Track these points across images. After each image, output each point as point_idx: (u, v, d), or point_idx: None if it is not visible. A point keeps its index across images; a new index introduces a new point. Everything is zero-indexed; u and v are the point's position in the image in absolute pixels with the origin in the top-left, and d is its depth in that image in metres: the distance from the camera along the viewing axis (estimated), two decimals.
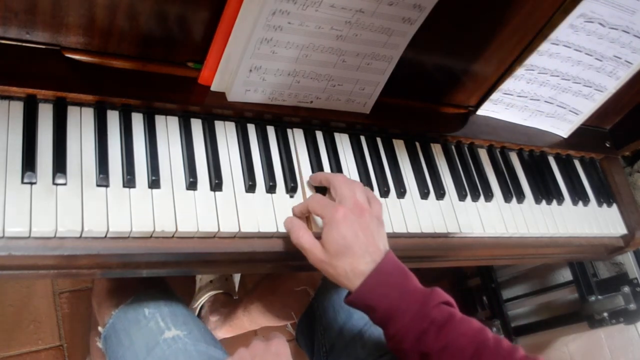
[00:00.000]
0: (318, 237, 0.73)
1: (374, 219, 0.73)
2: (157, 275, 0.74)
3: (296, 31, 0.73)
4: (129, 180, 0.69)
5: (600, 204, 1.11)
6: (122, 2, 0.68)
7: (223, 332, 1.32)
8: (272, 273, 1.15)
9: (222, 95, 0.80)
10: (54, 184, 0.65)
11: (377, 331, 0.91)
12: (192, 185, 0.73)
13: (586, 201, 1.08)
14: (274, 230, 0.76)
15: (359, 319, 0.94)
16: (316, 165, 0.84)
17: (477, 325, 0.69)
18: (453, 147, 0.99)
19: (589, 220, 1.07)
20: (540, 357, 0.66)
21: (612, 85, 1.03)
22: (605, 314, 1.35)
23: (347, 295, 0.72)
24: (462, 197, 0.94)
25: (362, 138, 0.91)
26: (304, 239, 0.73)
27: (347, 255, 0.70)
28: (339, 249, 0.70)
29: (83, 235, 0.65)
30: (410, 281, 0.71)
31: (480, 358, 0.66)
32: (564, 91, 1.03)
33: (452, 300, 0.71)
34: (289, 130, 0.85)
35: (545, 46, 0.92)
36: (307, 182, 0.82)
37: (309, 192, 0.81)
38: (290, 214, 0.78)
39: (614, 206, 1.12)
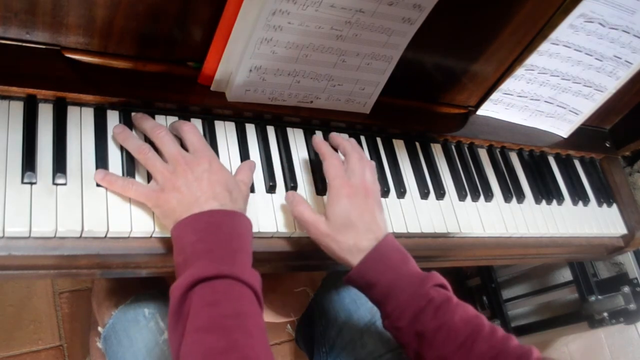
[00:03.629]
0: None
1: (377, 202, 0.75)
2: (157, 275, 0.73)
3: (296, 31, 0.73)
4: None
5: (600, 204, 1.11)
6: (122, 2, 0.68)
7: None
8: (272, 273, 1.15)
9: (222, 95, 0.80)
10: (54, 183, 0.65)
11: (377, 331, 0.91)
12: None
13: (586, 201, 1.08)
14: (274, 230, 0.76)
15: (359, 319, 0.94)
16: (316, 165, 0.84)
17: (473, 311, 0.70)
18: (453, 147, 0.99)
19: (589, 220, 1.07)
20: (533, 347, 0.66)
21: (612, 85, 1.03)
22: (605, 314, 1.35)
23: (348, 273, 0.73)
24: (462, 197, 0.94)
25: (362, 138, 0.91)
26: (307, 213, 0.74)
27: (350, 229, 0.71)
28: (344, 222, 0.71)
29: (83, 235, 0.65)
30: (410, 262, 0.72)
31: (474, 342, 0.65)
32: (564, 91, 1.03)
33: (448, 285, 0.72)
34: (289, 130, 0.85)
35: (545, 46, 0.92)
36: (313, 143, 0.80)
37: (309, 192, 0.81)
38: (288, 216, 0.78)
39: (614, 206, 1.12)
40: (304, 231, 0.76)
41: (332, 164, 0.76)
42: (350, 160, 0.77)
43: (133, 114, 0.73)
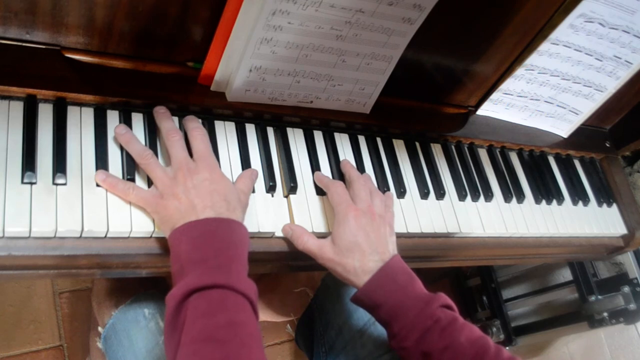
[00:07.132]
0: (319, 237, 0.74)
1: (385, 224, 0.76)
2: (157, 275, 0.73)
3: (296, 31, 0.73)
4: (129, 181, 0.69)
5: (600, 204, 1.11)
6: (122, 2, 0.68)
7: None
8: (272, 273, 1.15)
9: (222, 95, 0.80)
10: (54, 183, 0.65)
11: (376, 330, 0.91)
12: None
13: (586, 201, 1.08)
14: (274, 230, 0.76)
15: (359, 319, 0.94)
16: (316, 166, 0.84)
17: (479, 332, 0.70)
18: (453, 147, 0.99)
19: (589, 220, 1.07)
20: None
21: (612, 85, 1.03)
22: (605, 314, 1.35)
23: (354, 293, 0.73)
24: (462, 197, 0.94)
25: (362, 138, 0.91)
26: (310, 243, 0.74)
27: (356, 251, 0.72)
28: (349, 245, 0.72)
29: (83, 235, 0.65)
30: (416, 283, 0.73)
31: None
32: (564, 91, 1.03)
33: (454, 306, 0.72)
34: (288, 130, 0.85)
35: (545, 46, 0.92)
36: (314, 179, 0.82)
37: (309, 192, 0.81)
38: (287, 216, 0.78)
39: (614, 206, 1.12)
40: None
41: (335, 192, 0.77)
42: (354, 186, 0.78)
43: (155, 107, 0.73)
